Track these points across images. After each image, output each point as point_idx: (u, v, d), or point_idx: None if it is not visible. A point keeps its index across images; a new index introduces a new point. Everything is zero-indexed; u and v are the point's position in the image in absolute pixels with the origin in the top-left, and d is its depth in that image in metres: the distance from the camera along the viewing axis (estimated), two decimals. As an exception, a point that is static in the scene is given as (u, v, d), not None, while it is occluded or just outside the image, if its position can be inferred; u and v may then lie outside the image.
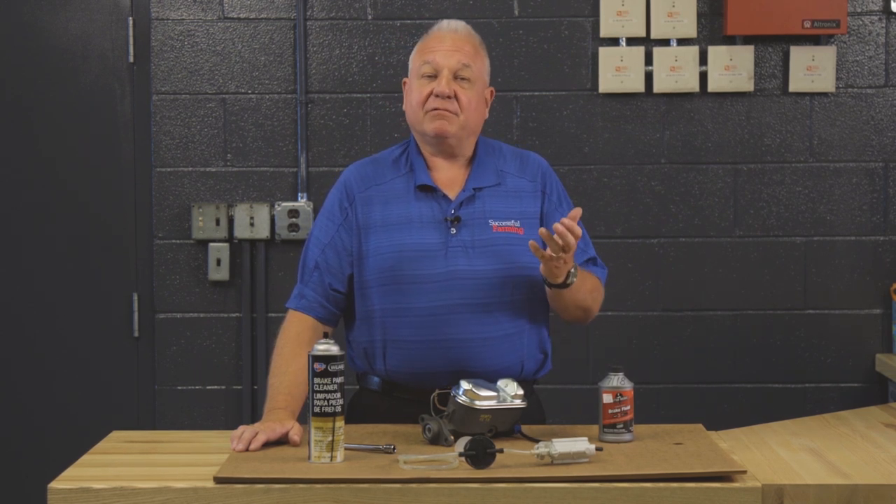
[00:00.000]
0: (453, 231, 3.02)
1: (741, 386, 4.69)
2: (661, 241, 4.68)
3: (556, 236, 2.80)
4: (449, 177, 3.09)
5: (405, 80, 3.15)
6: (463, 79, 3.05)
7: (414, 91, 3.07)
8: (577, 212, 2.85)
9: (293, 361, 2.97)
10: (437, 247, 3.01)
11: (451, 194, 3.06)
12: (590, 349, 4.67)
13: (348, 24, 4.66)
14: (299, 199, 4.65)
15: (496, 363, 2.99)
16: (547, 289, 2.99)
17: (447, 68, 3.04)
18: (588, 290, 3.04)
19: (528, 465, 2.59)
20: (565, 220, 2.81)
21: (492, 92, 3.15)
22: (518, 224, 3.05)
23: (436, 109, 3.02)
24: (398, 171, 3.11)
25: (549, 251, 2.84)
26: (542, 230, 2.82)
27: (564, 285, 2.93)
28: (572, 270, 2.92)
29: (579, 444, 2.61)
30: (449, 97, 3.02)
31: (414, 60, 3.11)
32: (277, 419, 2.85)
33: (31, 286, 4.72)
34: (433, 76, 3.04)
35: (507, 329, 3.01)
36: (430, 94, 3.03)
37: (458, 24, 3.12)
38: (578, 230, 2.82)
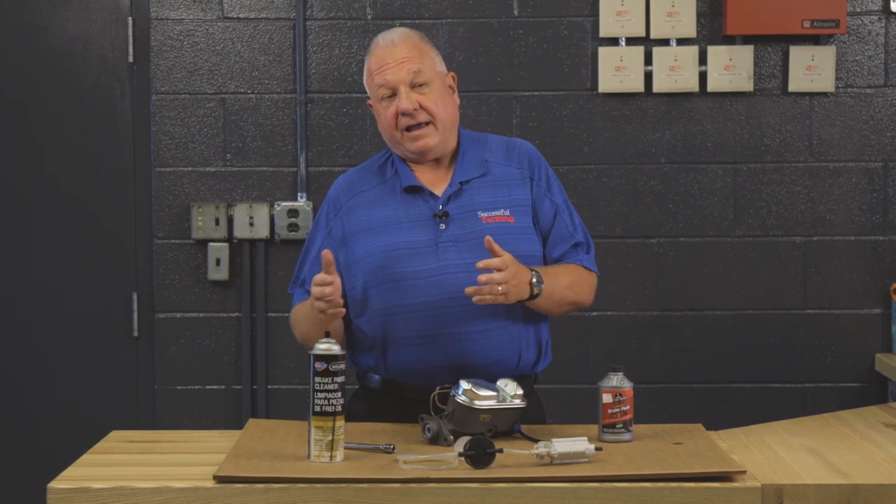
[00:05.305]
0: (442, 227, 3.03)
1: (741, 386, 4.69)
2: (661, 240, 4.68)
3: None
4: (435, 176, 3.11)
5: (369, 102, 3.14)
6: (420, 84, 3.04)
7: (381, 115, 3.07)
8: (489, 242, 2.86)
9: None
10: (428, 243, 3.02)
11: (438, 191, 3.07)
12: (590, 349, 4.67)
13: (348, 24, 4.66)
14: (299, 198, 4.65)
15: (493, 355, 3.00)
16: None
17: (401, 84, 3.03)
18: (566, 286, 3.04)
19: (528, 465, 2.58)
20: (496, 276, 2.84)
21: (453, 77, 3.14)
22: (508, 213, 3.05)
23: (409, 129, 3.03)
24: (383, 177, 3.13)
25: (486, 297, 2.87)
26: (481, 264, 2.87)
27: (532, 297, 2.95)
28: (534, 281, 2.93)
29: (579, 443, 2.61)
30: (415, 109, 3.02)
31: (368, 85, 3.11)
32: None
33: (30, 286, 4.72)
34: (392, 96, 3.04)
35: (503, 320, 3.01)
36: (397, 113, 3.03)
37: (394, 34, 3.09)
38: (500, 277, 2.85)
